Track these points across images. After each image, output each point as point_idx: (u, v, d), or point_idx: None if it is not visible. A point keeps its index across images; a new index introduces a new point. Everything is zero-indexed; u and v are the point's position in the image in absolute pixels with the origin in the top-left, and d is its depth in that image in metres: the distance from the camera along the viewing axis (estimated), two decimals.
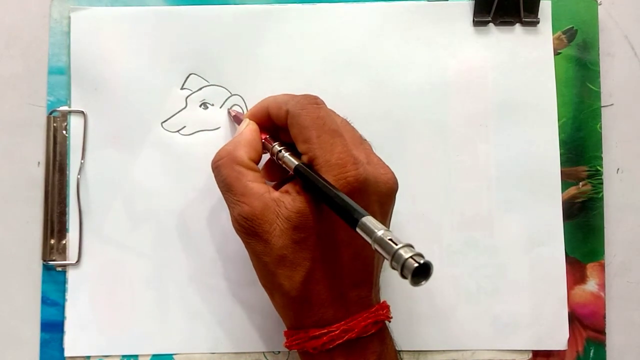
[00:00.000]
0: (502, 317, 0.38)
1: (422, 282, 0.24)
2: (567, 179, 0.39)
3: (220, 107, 0.39)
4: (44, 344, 0.38)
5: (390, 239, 0.24)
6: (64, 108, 0.39)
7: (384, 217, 0.32)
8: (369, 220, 0.26)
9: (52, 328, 0.38)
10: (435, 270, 0.38)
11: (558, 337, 0.38)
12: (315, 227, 0.30)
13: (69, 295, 0.38)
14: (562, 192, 0.39)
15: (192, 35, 0.39)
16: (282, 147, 0.32)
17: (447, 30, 0.39)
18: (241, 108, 0.39)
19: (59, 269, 0.38)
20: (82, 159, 0.38)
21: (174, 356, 0.38)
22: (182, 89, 0.39)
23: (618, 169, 0.40)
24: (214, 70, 0.39)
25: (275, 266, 0.30)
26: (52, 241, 0.38)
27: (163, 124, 0.39)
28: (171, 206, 0.38)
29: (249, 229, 0.30)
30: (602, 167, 0.39)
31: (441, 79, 0.39)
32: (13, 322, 0.39)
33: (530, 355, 0.38)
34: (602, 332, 0.39)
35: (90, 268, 0.38)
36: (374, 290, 0.32)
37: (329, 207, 0.28)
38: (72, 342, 0.38)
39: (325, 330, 0.30)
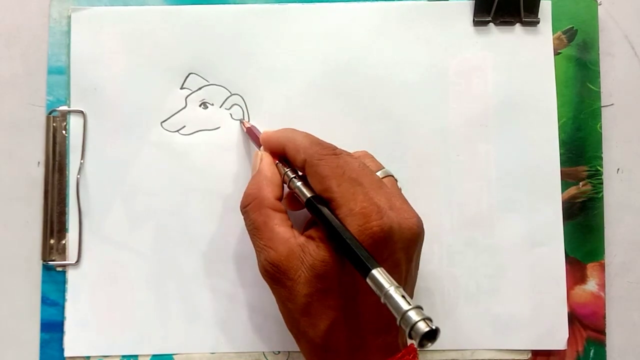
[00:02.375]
0: (502, 317, 0.38)
1: (428, 345, 0.24)
2: (567, 179, 0.39)
3: (220, 107, 0.39)
4: (43, 344, 0.38)
5: (401, 297, 0.25)
6: (64, 108, 0.39)
7: (409, 262, 0.31)
8: (379, 273, 0.26)
9: (52, 328, 0.38)
10: (435, 270, 0.38)
11: (558, 337, 0.38)
12: (339, 276, 0.29)
13: (68, 295, 0.38)
14: (562, 192, 0.39)
15: (192, 35, 0.39)
16: (294, 175, 0.32)
17: (447, 30, 0.39)
18: (241, 108, 0.39)
19: (59, 269, 0.38)
20: (81, 159, 0.38)
21: (173, 356, 0.38)
22: (181, 88, 0.39)
23: (618, 169, 0.40)
24: (213, 69, 0.39)
25: (300, 314, 0.30)
26: (52, 241, 0.38)
27: (163, 124, 0.39)
28: (171, 206, 0.38)
29: (275, 275, 0.30)
30: (602, 167, 0.39)
31: (441, 79, 0.39)
32: (13, 322, 0.38)
33: (530, 355, 0.38)
34: (602, 332, 0.39)
35: (90, 268, 0.38)
36: (400, 334, 0.31)
37: (342, 252, 0.28)
38: (72, 342, 0.38)
39: None
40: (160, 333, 0.38)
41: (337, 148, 0.32)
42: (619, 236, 0.40)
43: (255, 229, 0.31)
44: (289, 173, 0.32)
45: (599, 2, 0.40)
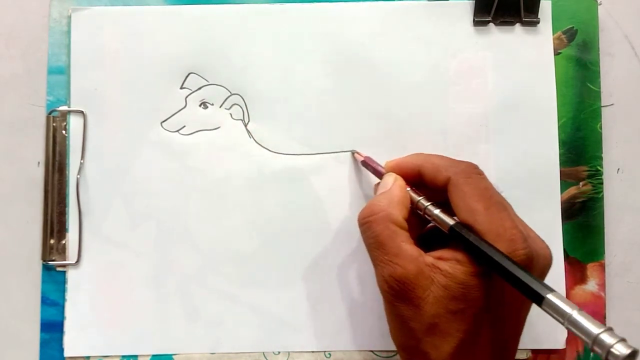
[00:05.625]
0: None
1: None
2: (567, 179, 0.39)
3: (220, 107, 0.39)
4: (43, 344, 0.38)
5: (589, 320, 0.24)
6: (64, 108, 0.39)
7: None
8: (557, 297, 0.25)
9: (52, 328, 0.38)
10: None
11: (558, 337, 0.38)
12: (477, 300, 0.28)
13: (68, 295, 0.38)
14: (562, 192, 0.39)
15: (191, 35, 0.39)
16: (429, 202, 0.31)
17: (447, 30, 0.39)
18: (241, 108, 0.39)
19: (59, 269, 0.38)
20: (81, 159, 0.38)
21: (173, 356, 0.38)
22: (181, 88, 0.39)
23: (618, 169, 0.40)
24: (213, 69, 0.39)
25: (424, 333, 0.29)
26: (52, 241, 0.38)
27: (163, 124, 0.39)
28: (171, 206, 0.38)
29: (400, 292, 0.29)
30: (602, 167, 0.39)
31: (441, 79, 0.39)
32: (13, 322, 0.38)
33: (530, 354, 0.38)
34: None
35: (90, 268, 0.38)
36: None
37: (503, 277, 0.27)
38: (72, 342, 0.38)
39: None
40: (160, 333, 0.38)
41: (479, 167, 0.31)
42: (619, 236, 0.40)
43: (379, 243, 0.30)
44: (423, 201, 0.32)
45: (599, 2, 0.40)
